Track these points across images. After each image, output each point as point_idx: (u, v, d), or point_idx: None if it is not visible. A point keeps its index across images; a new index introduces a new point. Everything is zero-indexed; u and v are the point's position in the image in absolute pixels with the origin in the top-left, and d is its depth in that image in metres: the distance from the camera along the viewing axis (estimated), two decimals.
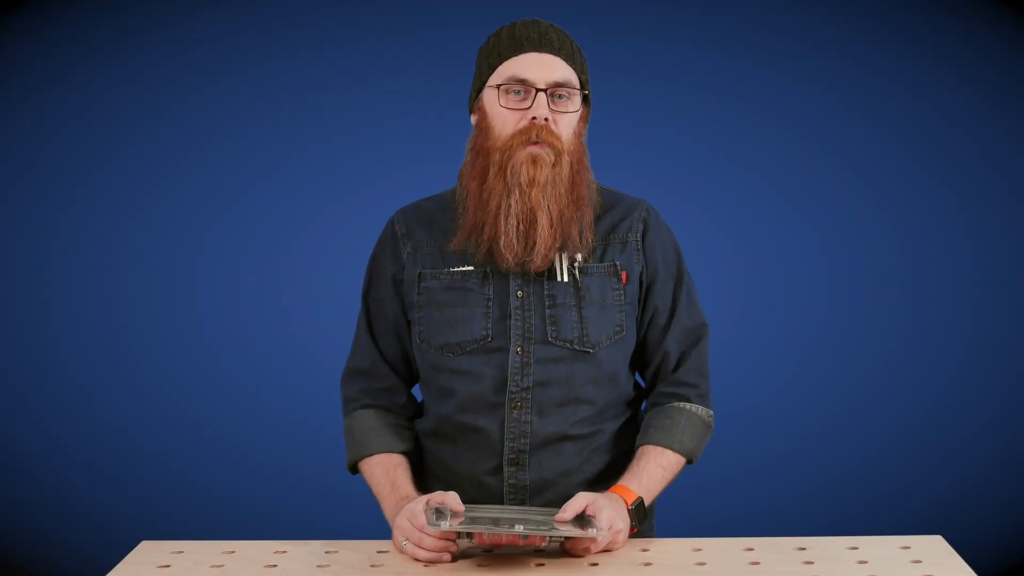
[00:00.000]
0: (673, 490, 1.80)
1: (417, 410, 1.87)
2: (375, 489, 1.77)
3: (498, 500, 1.74)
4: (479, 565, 1.55)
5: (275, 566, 1.57)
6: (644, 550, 1.62)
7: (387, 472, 1.76)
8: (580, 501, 1.57)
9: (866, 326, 3.42)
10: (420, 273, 1.77)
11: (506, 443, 1.72)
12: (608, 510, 1.58)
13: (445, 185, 1.85)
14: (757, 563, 1.56)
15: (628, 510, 1.64)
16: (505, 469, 1.72)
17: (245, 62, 3.37)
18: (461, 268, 1.75)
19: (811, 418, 3.42)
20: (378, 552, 1.62)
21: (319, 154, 3.39)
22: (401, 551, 1.60)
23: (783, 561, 1.56)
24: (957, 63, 3.40)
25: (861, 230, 3.43)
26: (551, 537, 1.53)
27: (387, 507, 1.72)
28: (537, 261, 1.68)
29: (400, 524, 1.60)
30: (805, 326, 3.42)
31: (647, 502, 1.69)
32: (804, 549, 1.61)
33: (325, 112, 3.38)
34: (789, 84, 3.41)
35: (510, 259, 1.68)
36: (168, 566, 1.58)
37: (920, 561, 1.55)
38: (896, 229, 3.43)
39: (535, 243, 1.67)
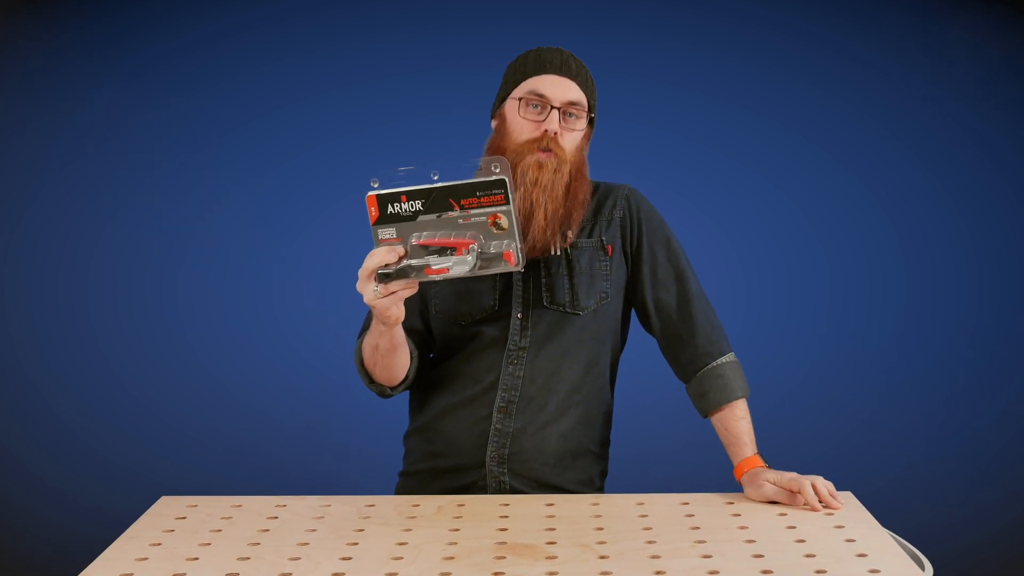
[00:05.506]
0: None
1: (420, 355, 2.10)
2: (370, 340, 1.92)
3: (483, 445, 1.99)
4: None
5: (276, 518, 1.80)
6: (595, 504, 1.85)
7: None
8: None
9: (867, 326, 3.53)
10: None
11: (499, 393, 1.98)
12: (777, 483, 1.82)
13: None
14: (692, 515, 1.78)
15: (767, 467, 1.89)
16: (494, 415, 1.98)
17: (245, 63, 3.49)
18: None
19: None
20: (367, 506, 1.86)
21: (317, 155, 3.52)
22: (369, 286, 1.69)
23: (715, 514, 1.78)
24: (958, 63, 3.48)
25: (862, 229, 3.53)
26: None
27: (374, 327, 1.88)
28: (527, 251, 1.94)
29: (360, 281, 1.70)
30: (805, 325, 3.53)
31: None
32: (732, 503, 1.83)
33: (321, 113, 3.50)
34: (789, 84, 3.51)
35: None
36: (184, 518, 1.81)
37: (832, 513, 1.76)
38: (896, 229, 3.53)
39: (528, 235, 1.94)
